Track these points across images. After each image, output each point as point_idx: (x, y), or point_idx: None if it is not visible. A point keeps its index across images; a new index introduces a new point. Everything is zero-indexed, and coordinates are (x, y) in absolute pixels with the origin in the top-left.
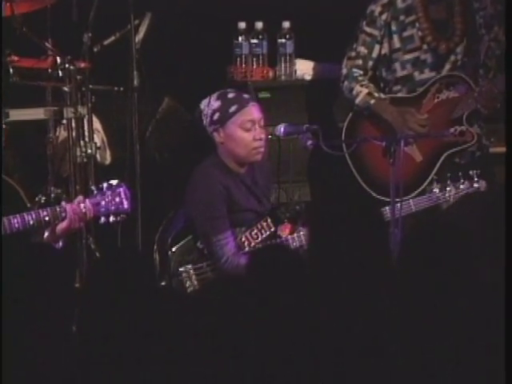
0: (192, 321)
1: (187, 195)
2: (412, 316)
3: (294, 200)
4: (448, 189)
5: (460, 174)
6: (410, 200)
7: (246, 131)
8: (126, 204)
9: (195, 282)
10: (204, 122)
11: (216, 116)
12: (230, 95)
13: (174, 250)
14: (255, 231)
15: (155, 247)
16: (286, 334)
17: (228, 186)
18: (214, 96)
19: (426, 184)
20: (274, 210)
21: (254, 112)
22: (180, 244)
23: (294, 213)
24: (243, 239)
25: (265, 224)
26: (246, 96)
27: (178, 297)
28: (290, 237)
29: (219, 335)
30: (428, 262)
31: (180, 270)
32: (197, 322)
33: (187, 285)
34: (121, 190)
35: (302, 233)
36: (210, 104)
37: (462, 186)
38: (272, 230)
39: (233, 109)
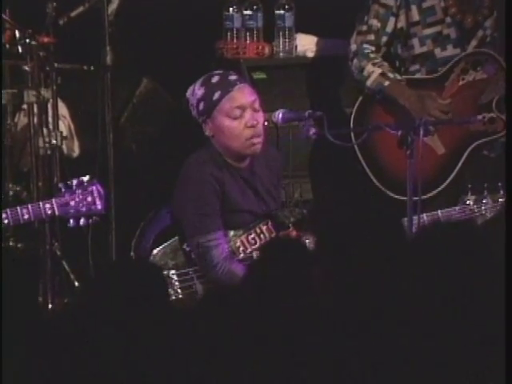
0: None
1: (175, 189)
2: (422, 322)
3: (293, 198)
4: (484, 201)
5: (500, 184)
6: (439, 211)
7: (235, 119)
8: (99, 204)
9: (178, 291)
10: (192, 113)
11: (201, 106)
12: (214, 79)
13: (155, 252)
14: (253, 235)
15: (131, 254)
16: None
17: (222, 180)
18: (199, 82)
19: (449, 180)
20: (277, 213)
21: (242, 96)
22: (163, 246)
23: (299, 217)
24: (238, 244)
25: (265, 228)
26: (232, 78)
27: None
28: None
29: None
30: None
31: None
32: (180, 338)
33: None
34: (93, 188)
35: (307, 240)
36: (195, 92)
37: (501, 200)
38: (273, 235)
39: (216, 96)
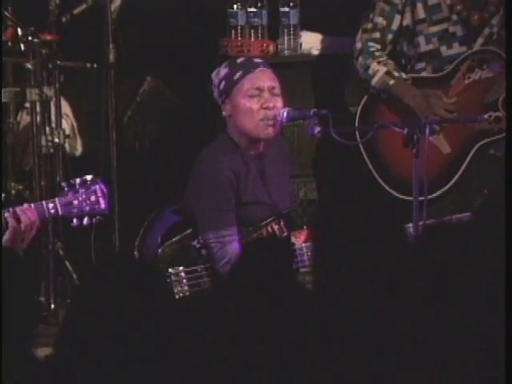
0: (177, 335)
1: (190, 183)
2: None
3: (298, 198)
4: None
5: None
6: (453, 216)
7: (252, 99)
8: (102, 204)
9: (186, 288)
10: (214, 94)
11: (222, 85)
12: (239, 60)
13: (165, 245)
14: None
15: (135, 254)
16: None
17: (239, 173)
18: (225, 63)
19: (454, 180)
20: (289, 212)
21: (262, 78)
22: (173, 240)
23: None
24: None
25: (276, 227)
26: (256, 60)
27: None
28: (304, 245)
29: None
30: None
31: (170, 271)
32: (184, 336)
33: (176, 290)
34: (97, 187)
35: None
36: (219, 73)
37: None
38: (284, 234)
39: (238, 75)
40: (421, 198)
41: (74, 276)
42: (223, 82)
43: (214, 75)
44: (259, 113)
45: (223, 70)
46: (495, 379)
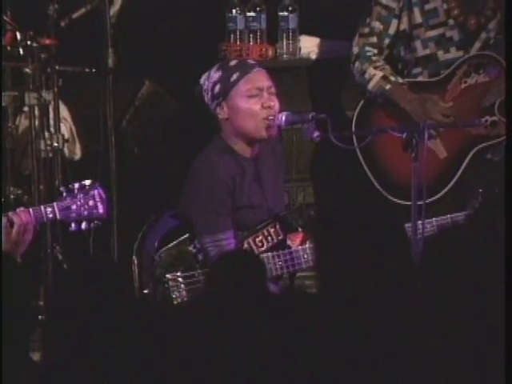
0: (176, 338)
1: (186, 188)
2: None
3: (297, 202)
4: None
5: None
6: (448, 216)
7: (252, 99)
8: (101, 208)
9: (184, 293)
10: (206, 99)
11: (217, 88)
12: (232, 63)
13: (161, 253)
14: (260, 237)
15: (134, 258)
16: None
17: (234, 176)
18: (215, 67)
19: (451, 185)
20: (285, 215)
21: (260, 78)
22: (169, 247)
23: (307, 219)
24: (245, 246)
25: (272, 230)
26: (250, 62)
27: (161, 309)
28: (300, 248)
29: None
30: (450, 276)
31: (167, 276)
32: (182, 339)
33: (174, 295)
34: (95, 192)
35: (307, 245)
36: (210, 76)
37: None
38: (280, 237)
39: (234, 77)
40: (419, 203)
41: None
42: (218, 85)
43: (204, 80)
44: (261, 113)
45: (216, 73)
46: (495, 379)
